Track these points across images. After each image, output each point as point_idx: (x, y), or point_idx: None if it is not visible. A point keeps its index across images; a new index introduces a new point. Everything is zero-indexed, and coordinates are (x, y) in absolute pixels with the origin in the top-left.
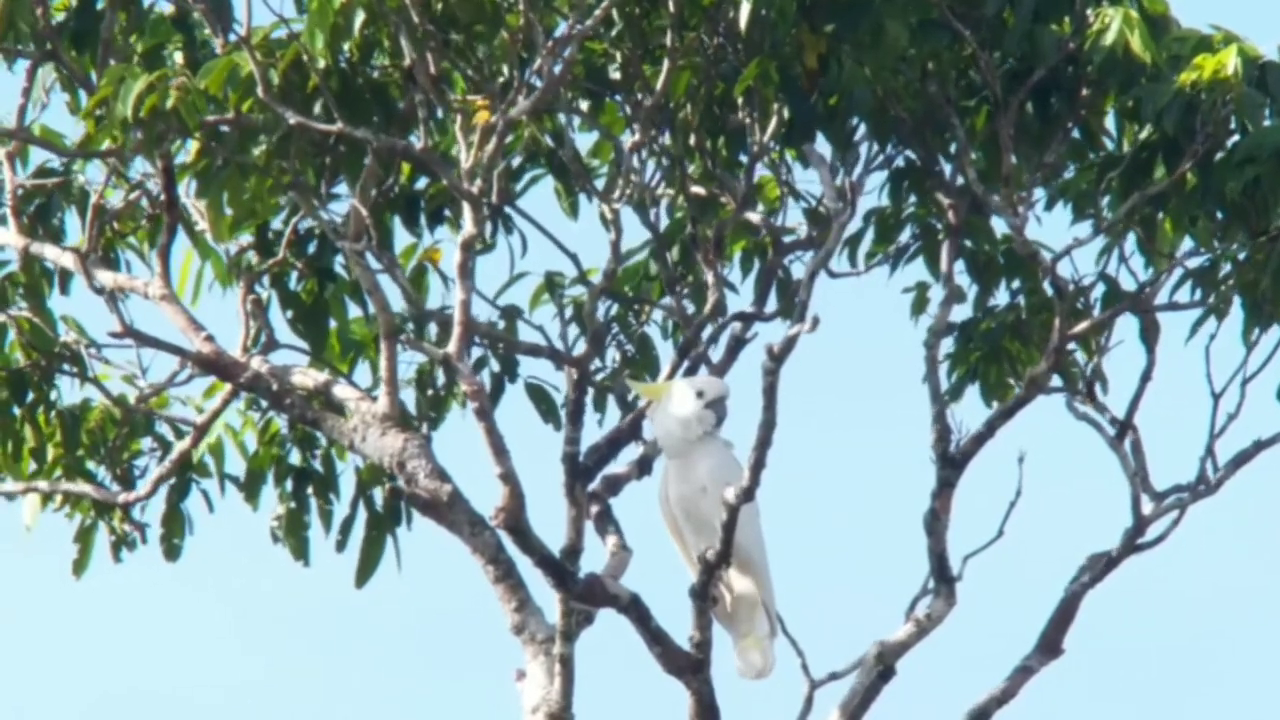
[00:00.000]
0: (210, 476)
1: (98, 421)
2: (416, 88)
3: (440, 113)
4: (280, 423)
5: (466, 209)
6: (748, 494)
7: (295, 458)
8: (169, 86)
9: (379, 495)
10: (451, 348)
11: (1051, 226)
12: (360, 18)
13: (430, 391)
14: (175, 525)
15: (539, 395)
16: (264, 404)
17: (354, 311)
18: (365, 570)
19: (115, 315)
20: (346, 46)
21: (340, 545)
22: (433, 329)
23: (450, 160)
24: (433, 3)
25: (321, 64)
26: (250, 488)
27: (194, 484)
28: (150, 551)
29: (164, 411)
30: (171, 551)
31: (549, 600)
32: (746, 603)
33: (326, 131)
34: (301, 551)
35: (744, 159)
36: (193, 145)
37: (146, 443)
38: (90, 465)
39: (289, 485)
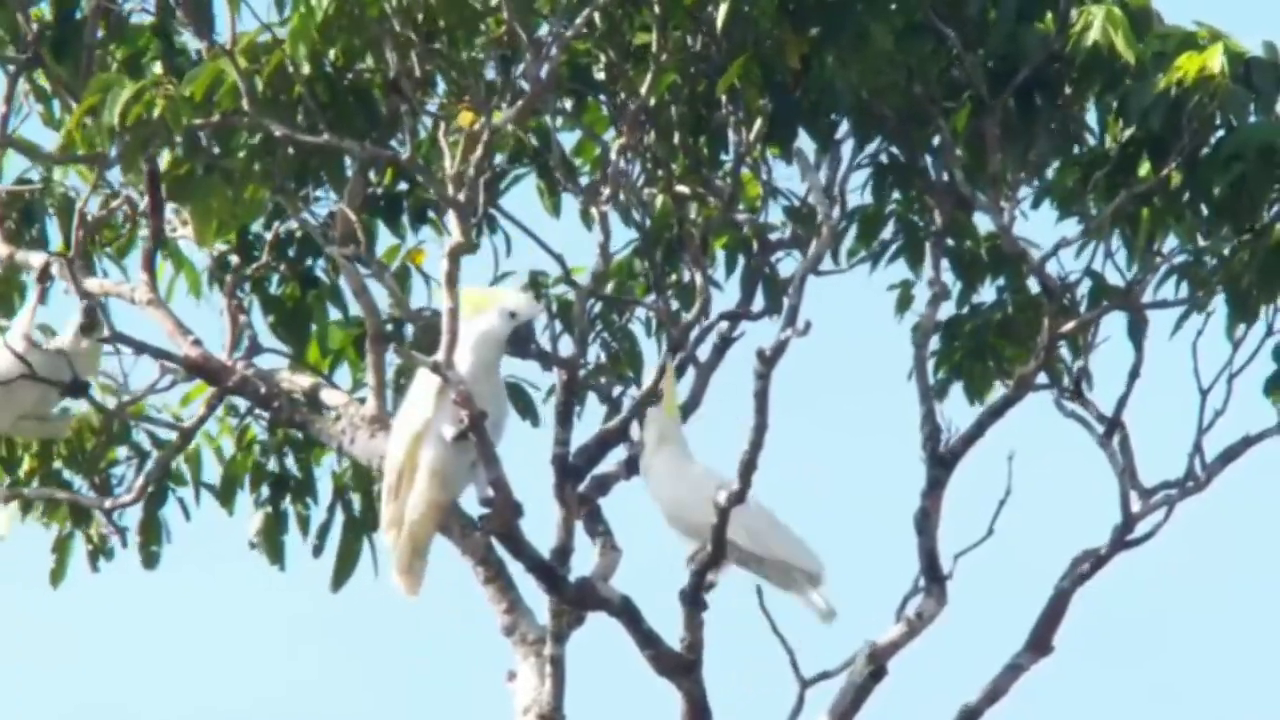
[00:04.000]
0: (186, 484)
1: (74, 430)
2: (400, 97)
3: (424, 118)
4: (257, 429)
5: (453, 217)
6: (739, 496)
7: (273, 464)
8: (155, 95)
9: (356, 500)
10: (440, 356)
11: (1037, 224)
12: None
13: None
14: (153, 533)
15: (515, 393)
16: (242, 410)
17: (333, 315)
18: (341, 574)
19: (104, 320)
20: (330, 53)
21: (317, 550)
22: (408, 329)
23: (434, 165)
24: (414, 9)
25: (306, 70)
26: (226, 493)
27: (170, 492)
28: (128, 560)
29: (143, 419)
30: (149, 560)
31: (539, 601)
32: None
33: (312, 143)
34: (278, 556)
35: (726, 157)
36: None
37: (123, 451)
38: (67, 475)
39: (265, 491)
